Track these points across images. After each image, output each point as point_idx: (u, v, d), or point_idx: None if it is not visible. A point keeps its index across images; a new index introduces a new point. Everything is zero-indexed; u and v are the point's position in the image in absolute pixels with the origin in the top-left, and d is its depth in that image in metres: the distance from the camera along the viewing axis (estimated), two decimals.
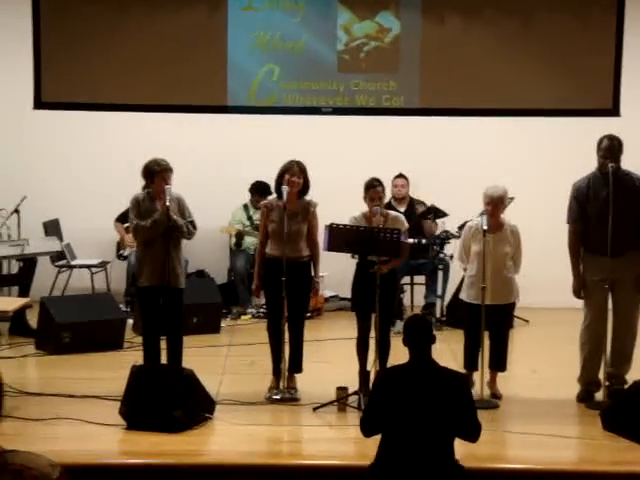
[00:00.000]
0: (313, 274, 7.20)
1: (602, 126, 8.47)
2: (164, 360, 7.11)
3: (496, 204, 7.05)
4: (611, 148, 6.82)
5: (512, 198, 9.31)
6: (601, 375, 6.93)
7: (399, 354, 7.55)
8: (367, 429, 5.02)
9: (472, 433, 4.93)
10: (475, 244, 7.10)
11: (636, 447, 5.96)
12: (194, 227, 7.19)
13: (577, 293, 7.03)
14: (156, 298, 7.05)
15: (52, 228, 10.37)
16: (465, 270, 7.30)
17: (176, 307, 7.10)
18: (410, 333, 4.99)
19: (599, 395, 6.93)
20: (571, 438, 6.26)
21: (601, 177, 6.86)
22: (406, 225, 7.19)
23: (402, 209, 10.03)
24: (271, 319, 7.20)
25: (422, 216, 9.93)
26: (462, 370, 7.03)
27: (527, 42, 10.63)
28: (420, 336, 4.95)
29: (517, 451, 6.07)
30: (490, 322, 7.00)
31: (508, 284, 7.13)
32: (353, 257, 7.20)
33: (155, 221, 6.96)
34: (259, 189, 10.08)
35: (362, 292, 7.02)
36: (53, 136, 10.82)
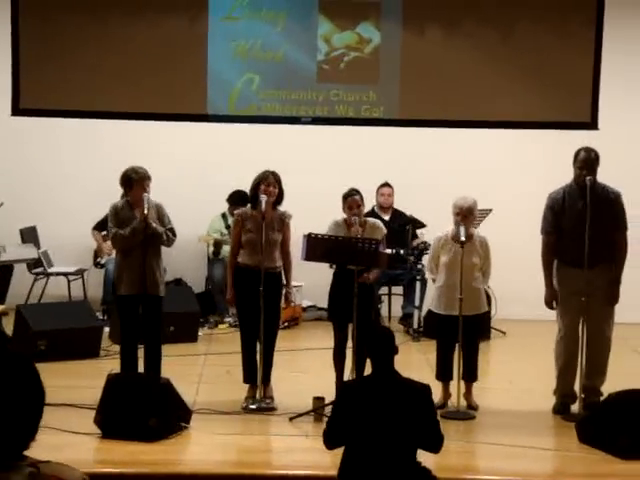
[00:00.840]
0: (285, 284, 7.20)
1: (580, 138, 8.53)
2: (141, 369, 7.08)
3: (465, 214, 7.04)
4: (588, 160, 6.87)
5: (490, 210, 9.36)
6: (577, 387, 6.96)
7: None
8: (330, 441, 5.01)
9: (434, 444, 4.93)
10: (444, 255, 7.11)
11: (611, 459, 5.97)
12: (174, 234, 7.18)
13: (549, 304, 7.06)
14: (135, 306, 7.03)
15: (29, 235, 10.32)
16: (434, 281, 7.31)
17: (155, 315, 7.08)
18: (372, 344, 5.00)
19: (575, 407, 6.95)
20: (547, 450, 6.28)
21: (577, 189, 6.91)
22: (384, 231, 7.20)
23: (386, 217, 10.07)
24: (245, 329, 7.19)
25: (401, 227, 9.94)
26: (436, 381, 7.06)
27: (507, 54, 10.67)
28: (382, 347, 4.96)
29: (492, 462, 6.07)
30: (460, 333, 6.99)
31: (477, 295, 7.14)
32: (331, 267, 7.21)
33: (134, 229, 6.95)
34: (238, 198, 10.04)
35: (339, 301, 7.04)
36: (30, 143, 10.77)
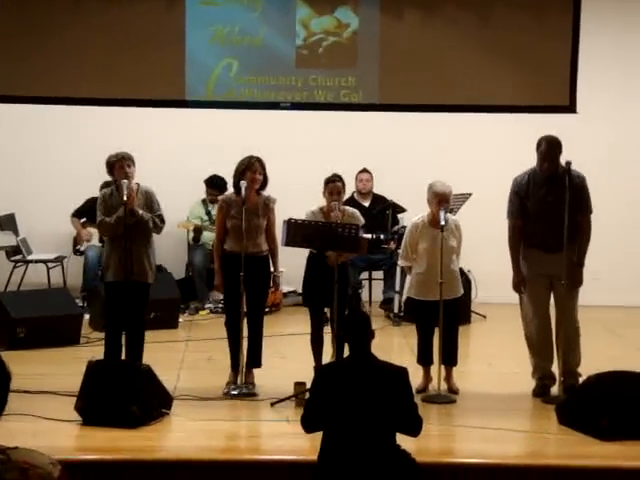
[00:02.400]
0: (273, 269, 7.20)
1: (560, 122, 8.56)
2: (124, 356, 7.07)
3: (447, 200, 7.05)
4: (550, 152, 6.92)
5: (470, 194, 9.38)
6: (555, 369, 6.99)
7: None
8: (308, 425, 5.04)
9: (413, 428, 4.95)
10: (424, 241, 7.10)
11: (591, 441, 6.00)
12: (162, 221, 7.17)
13: (517, 287, 7.10)
14: (121, 293, 6.98)
15: (8, 223, 10.28)
16: (409, 268, 7.29)
17: (140, 302, 7.07)
18: (349, 328, 5.01)
19: (555, 390, 6.99)
20: (527, 432, 6.32)
21: (540, 174, 6.95)
22: (362, 221, 7.20)
23: (366, 204, 10.07)
24: (229, 314, 7.18)
25: (381, 212, 9.95)
26: (417, 365, 7.08)
27: (485, 38, 10.67)
28: (359, 331, 4.97)
29: (473, 445, 6.09)
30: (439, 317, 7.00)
31: (456, 278, 7.18)
32: (312, 252, 7.20)
33: (119, 217, 6.92)
34: (214, 183, 10.05)
35: (313, 286, 7.04)
36: (7, 130, 10.71)
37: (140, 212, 6.96)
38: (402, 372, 4.98)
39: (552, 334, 7.02)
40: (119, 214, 6.93)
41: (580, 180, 6.99)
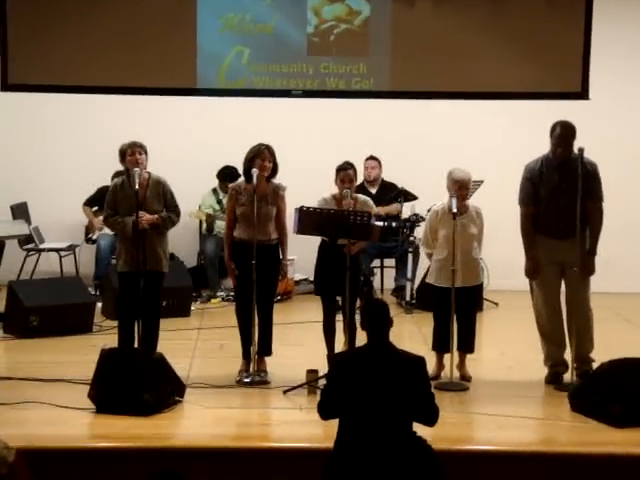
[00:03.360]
0: (281, 257, 7.19)
1: (573, 109, 8.53)
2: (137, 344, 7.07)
3: (467, 186, 7.08)
4: (564, 137, 6.88)
5: (482, 181, 9.36)
6: (567, 356, 6.98)
7: (365, 336, 7.58)
8: (324, 412, 5.05)
9: (429, 417, 4.96)
10: (443, 228, 7.10)
11: (604, 428, 6.00)
12: (177, 215, 7.17)
13: (529, 274, 7.08)
14: (135, 283, 6.97)
15: (20, 211, 10.29)
16: (430, 255, 7.29)
17: (155, 291, 7.07)
18: (368, 317, 5.01)
19: (567, 377, 6.97)
20: (540, 419, 6.32)
21: (553, 160, 6.92)
22: (375, 209, 7.18)
23: (374, 191, 10.06)
24: (240, 302, 7.18)
25: (392, 199, 9.94)
26: (432, 352, 7.07)
27: (497, 26, 10.63)
28: (378, 320, 4.97)
29: (486, 433, 6.09)
30: (458, 304, 7.00)
31: (476, 266, 7.17)
32: (324, 240, 7.18)
33: (125, 227, 6.95)
34: (227, 175, 10.01)
35: (325, 275, 7.03)
36: (21, 119, 10.73)
37: (150, 223, 6.92)
38: (420, 361, 4.99)
39: (563, 321, 7.01)
40: (125, 226, 6.93)
41: (593, 167, 6.96)
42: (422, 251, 7.77)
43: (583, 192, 6.77)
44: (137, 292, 6.96)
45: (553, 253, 6.93)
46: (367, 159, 10.22)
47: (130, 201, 6.96)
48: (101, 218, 9.88)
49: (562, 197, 6.84)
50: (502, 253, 9.37)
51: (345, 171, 7.06)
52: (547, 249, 6.98)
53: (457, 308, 7.00)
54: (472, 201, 7.24)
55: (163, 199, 7.10)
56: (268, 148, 7.09)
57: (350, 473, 4.85)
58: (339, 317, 7.13)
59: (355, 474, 4.84)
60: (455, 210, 6.90)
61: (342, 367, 5.04)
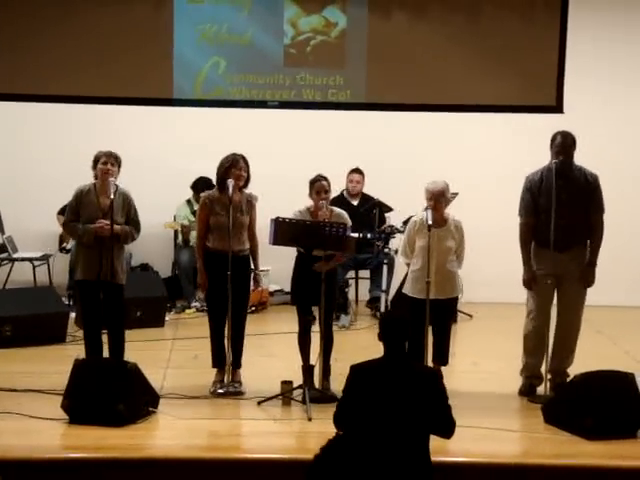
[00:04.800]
0: (253, 267, 7.19)
1: (548, 122, 8.58)
2: (106, 354, 7.05)
3: (437, 198, 7.03)
4: (564, 145, 6.91)
5: (456, 193, 9.37)
6: (543, 369, 7.01)
7: (342, 347, 7.60)
8: (340, 424, 5.05)
9: (446, 429, 4.99)
10: (420, 239, 7.11)
11: (577, 440, 6.04)
12: (137, 230, 7.12)
13: (527, 284, 7.09)
14: (94, 292, 6.97)
15: None
16: (408, 265, 7.31)
17: (115, 302, 7.01)
18: (386, 329, 5.03)
19: (540, 389, 7.00)
20: (513, 431, 6.32)
21: (554, 171, 6.94)
22: (349, 222, 7.19)
23: (355, 203, 10.09)
24: (213, 314, 7.16)
25: (367, 211, 9.95)
26: None
27: (473, 38, 10.70)
28: (396, 332, 5.01)
29: (460, 444, 6.07)
30: (433, 316, 7.01)
31: (451, 278, 7.16)
32: (300, 251, 7.18)
33: (83, 235, 6.94)
34: (202, 186, 9.94)
35: (302, 286, 7.03)
36: None
37: (105, 235, 6.87)
38: (436, 374, 5.10)
39: (548, 334, 6.99)
40: (84, 234, 6.91)
41: (593, 179, 7.00)
42: (401, 260, 7.77)
43: (585, 204, 6.81)
44: (97, 302, 6.95)
45: (551, 265, 6.92)
46: (352, 172, 10.24)
47: (92, 209, 6.95)
48: None
49: (562, 208, 6.81)
50: (475, 264, 9.39)
51: (319, 182, 7.06)
52: (544, 261, 6.97)
53: (432, 320, 7.01)
54: (453, 214, 7.23)
55: (126, 212, 7.06)
56: (243, 158, 7.10)
57: None
58: (315, 328, 7.13)
59: None
60: (430, 222, 6.90)
61: (359, 378, 5.04)
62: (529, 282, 7.06)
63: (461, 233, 7.18)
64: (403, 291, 7.36)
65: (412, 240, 7.17)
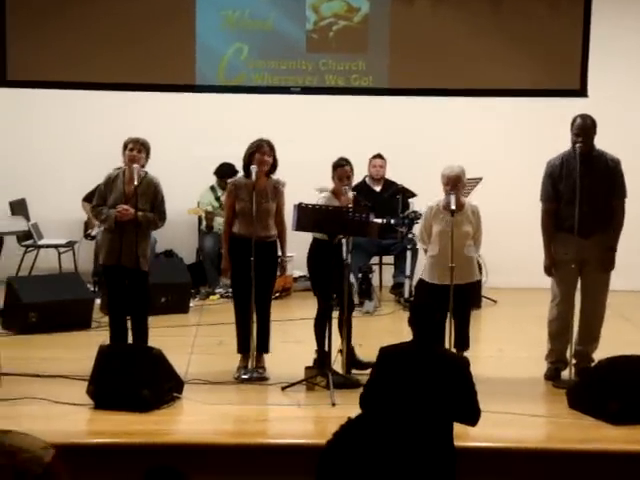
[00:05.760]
0: (280, 253, 7.19)
1: (571, 107, 8.52)
2: (131, 340, 7.08)
3: (454, 183, 6.99)
4: (584, 127, 6.85)
5: (480, 178, 9.36)
6: (568, 353, 6.99)
7: (367, 333, 7.59)
8: (366, 405, 5.05)
9: (472, 417, 5.00)
10: (437, 224, 7.08)
11: (601, 425, 6.02)
12: (161, 219, 7.10)
13: (548, 271, 7.06)
14: (118, 277, 7.00)
15: (19, 207, 10.29)
16: (426, 251, 7.29)
17: (139, 289, 7.02)
18: (415, 315, 5.03)
19: (565, 374, 6.98)
20: (537, 416, 6.31)
21: (574, 156, 6.88)
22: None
23: (378, 188, 10.07)
24: (238, 299, 7.16)
25: (391, 196, 9.94)
26: None
27: (496, 23, 10.63)
28: (425, 319, 5.02)
29: (484, 430, 6.05)
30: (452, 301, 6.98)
31: (469, 263, 7.11)
32: (316, 241, 7.15)
33: (106, 220, 6.98)
34: (225, 172, 9.98)
35: (321, 272, 7.00)
36: (19, 115, 10.71)
37: (129, 218, 6.91)
38: (464, 361, 5.09)
39: (572, 319, 6.96)
40: (108, 219, 6.95)
41: (615, 164, 6.95)
42: (419, 247, 7.76)
43: (607, 189, 6.77)
44: (122, 288, 6.98)
45: (575, 250, 6.87)
46: (374, 157, 10.22)
47: (118, 195, 6.98)
48: None
49: (583, 193, 6.73)
50: (500, 250, 9.39)
51: (342, 168, 7.05)
52: (567, 246, 6.93)
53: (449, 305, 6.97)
54: (470, 199, 7.21)
55: (152, 200, 7.06)
56: (268, 143, 7.08)
57: (371, 468, 4.82)
58: (335, 314, 7.09)
59: (378, 469, 4.81)
60: (453, 207, 6.87)
61: (388, 361, 5.05)
62: (549, 268, 7.03)
63: (478, 217, 7.15)
64: (421, 277, 7.35)
65: (429, 225, 7.15)
